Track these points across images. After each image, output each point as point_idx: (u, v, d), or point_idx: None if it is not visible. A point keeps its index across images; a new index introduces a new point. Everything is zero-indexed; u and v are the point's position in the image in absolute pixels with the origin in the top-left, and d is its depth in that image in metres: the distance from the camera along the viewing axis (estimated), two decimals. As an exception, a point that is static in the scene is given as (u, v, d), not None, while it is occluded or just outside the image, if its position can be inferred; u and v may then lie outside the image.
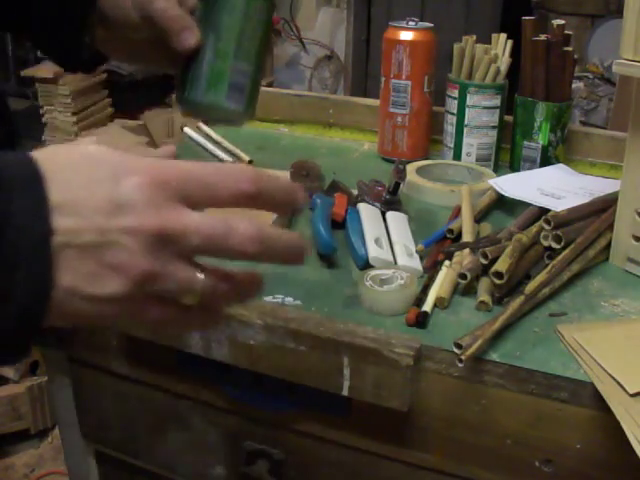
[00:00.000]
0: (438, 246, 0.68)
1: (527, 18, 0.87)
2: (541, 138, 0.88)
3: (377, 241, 0.67)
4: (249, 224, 0.37)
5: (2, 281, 0.32)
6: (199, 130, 1.05)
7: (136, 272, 0.35)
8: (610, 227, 0.67)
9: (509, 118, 0.92)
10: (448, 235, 0.70)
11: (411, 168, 0.86)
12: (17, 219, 0.32)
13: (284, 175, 0.84)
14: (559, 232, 0.63)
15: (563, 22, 0.86)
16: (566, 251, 0.62)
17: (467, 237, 0.68)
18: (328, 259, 0.67)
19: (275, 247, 0.38)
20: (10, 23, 0.64)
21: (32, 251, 0.33)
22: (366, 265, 0.64)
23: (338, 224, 0.71)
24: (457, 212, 0.75)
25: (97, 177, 0.35)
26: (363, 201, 0.75)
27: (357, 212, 0.72)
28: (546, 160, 0.88)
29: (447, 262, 0.65)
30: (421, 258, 0.67)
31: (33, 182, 0.33)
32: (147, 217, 0.35)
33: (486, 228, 0.72)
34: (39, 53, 0.66)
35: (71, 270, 0.34)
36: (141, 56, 0.64)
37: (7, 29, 0.69)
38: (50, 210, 0.33)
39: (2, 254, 0.32)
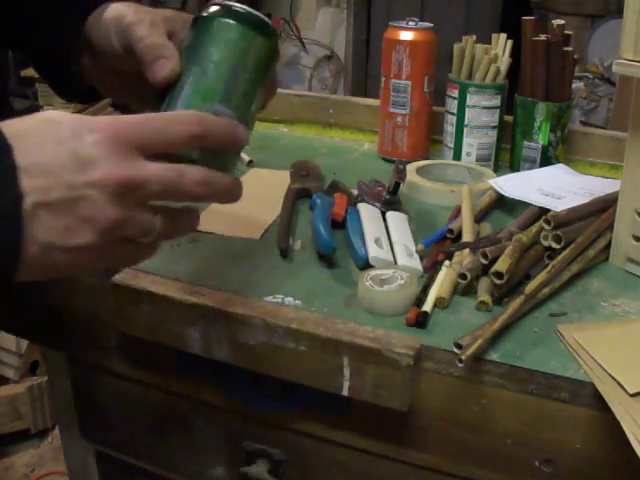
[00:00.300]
0: (438, 246, 0.68)
1: (527, 18, 0.87)
2: (541, 138, 0.88)
3: (377, 241, 0.67)
4: (197, 169, 0.42)
5: None
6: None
7: (105, 222, 0.38)
8: (610, 227, 0.67)
9: (509, 118, 0.92)
10: (448, 235, 0.70)
11: (411, 168, 0.86)
12: None
13: (283, 173, 0.84)
14: (559, 232, 0.63)
15: (563, 22, 0.86)
16: (566, 251, 0.62)
17: (467, 237, 0.68)
18: (328, 259, 0.67)
19: (218, 189, 0.43)
20: (15, 45, 0.64)
21: (3, 215, 0.35)
22: (366, 265, 0.64)
23: (338, 224, 0.71)
24: (457, 212, 0.75)
25: (59, 137, 0.38)
26: (363, 201, 0.75)
27: (357, 212, 0.72)
28: (546, 160, 0.88)
29: (447, 262, 0.65)
30: (421, 258, 0.67)
31: (0, 150, 0.36)
32: (110, 170, 0.38)
33: (486, 228, 0.72)
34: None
35: (45, 226, 0.37)
36: (128, 90, 0.60)
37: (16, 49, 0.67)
38: (18, 175, 0.36)
39: None
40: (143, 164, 0.40)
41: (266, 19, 0.53)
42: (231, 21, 0.50)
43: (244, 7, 0.51)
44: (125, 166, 0.39)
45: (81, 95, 0.63)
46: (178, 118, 0.42)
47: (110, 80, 0.60)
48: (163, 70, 0.49)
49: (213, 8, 0.51)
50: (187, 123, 0.41)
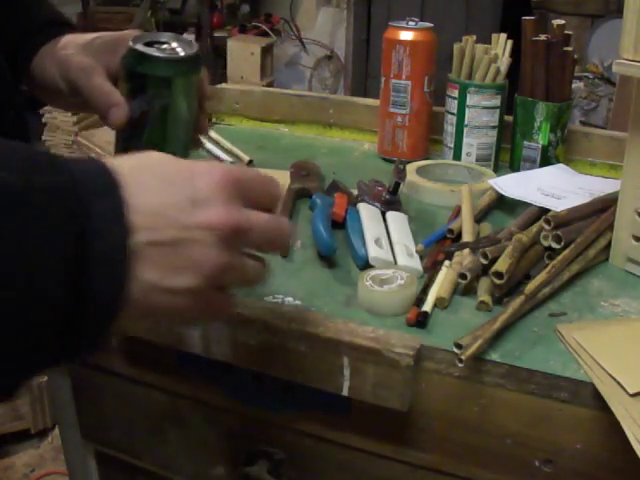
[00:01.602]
0: (438, 246, 0.68)
1: (527, 18, 0.87)
2: (541, 138, 0.88)
3: (377, 241, 0.67)
4: (286, 221, 0.44)
5: (82, 281, 0.33)
6: (199, 130, 1.04)
7: (212, 266, 0.38)
8: (610, 227, 0.67)
9: (509, 118, 0.92)
10: (448, 235, 0.70)
11: (411, 168, 0.86)
12: (96, 223, 0.34)
13: (283, 173, 0.84)
14: (559, 232, 0.63)
15: (563, 22, 0.86)
16: (566, 251, 0.62)
17: (467, 237, 0.68)
18: (328, 259, 0.67)
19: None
20: None
21: (110, 251, 0.34)
22: (366, 265, 0.64)
23: (338, 224, 0.71)
24: (457, 212, 0.75)
25: (171, 179, 0.38)
26: (363, 201, 0.75)
27: (357, 212, 0.72)
28: (546, 160, 0.88)
29: (447, 262, 0.65)
30: (421, 258, 0.67)
31: (110, 188, 0.35)
32: (223, 213, 0.38)
33: (486, 228, 0.72)
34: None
35: (152, 265, 0.36)
36: (77, 108, 0.64)
37: None
38: (128, 212, 0.35)
39: (82, 256, 0.33)
40: (249, 211, 0.40)
41: (189, 54, 0.55)
42: (163, 75, 0.54)
43: (171, 49, 0.55)
44: (235, 211, 0.39)
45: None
46: (273, 179, 0.43)
47: (57, 101, 0.64)
48: (117, 118, 0.54)
49: (142, 58, 0.54)
50: (277, 186, 0.43)
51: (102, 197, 0.34)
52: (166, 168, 0.39)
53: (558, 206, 0.70)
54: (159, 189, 0.37)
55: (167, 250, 0.37)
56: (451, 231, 0.70)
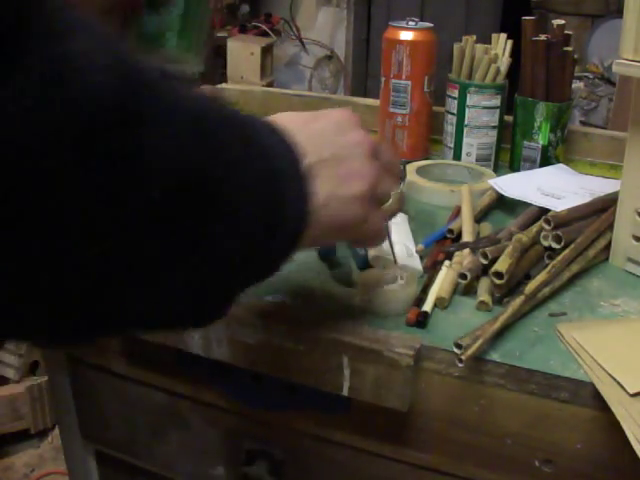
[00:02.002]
0: (438, 246, 0.68)
1: (527, 18, 0.87)
2: (541, 138, 0.88)
3: None
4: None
5: (277, 197, 0.38)
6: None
7: (370, 174, 0.45)
8: (610, 227, 0.67)
9: (509, 118, 0.92)
10: (448, 235, 0.70)
11: (411, 168, 0.86)
12: (275, 151, 0.39)
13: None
14: (559, 232, 0.63)
15: (563, 22, 0.86)
16: (566, 251, 0.62)
17: (467, 237, 0.68)
18: (328, 259, 0.67)
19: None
20: None
21: (293, 172, 0.40)
22: (366, 265, 0.64)
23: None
24: (457, 212, 0.75)
25: (314, 116, 0.46)
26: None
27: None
28: (546, 160, 0.88)
29: (447, 262, 0.65)
30: (421, 258, 0.67)
31: (277, 128, 0.41)
32: (364, 134, 0.46)
33: (486, 228, 0.72)
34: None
35: (324, 179, 0.42)
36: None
37: None
38: (295, 144, 0.41)
39: (275, 178, 0.38)
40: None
41: None
42: None
43: None
44: (371, 138, 0.47)
45: None
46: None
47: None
48: None
49: None
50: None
51: (273, 134, 0.40)
52: (305, 114, 0.46)
53: (558, 206, 0.70)
54: (309, 124, 0.45)
55: (333, 165, 0.43)
56: (451, 231, 0.70)
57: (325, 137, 0.44)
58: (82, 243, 0.28)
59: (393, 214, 0.56)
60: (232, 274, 0.37)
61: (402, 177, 0.75)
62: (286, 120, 0.43)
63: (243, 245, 0.36)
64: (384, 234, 0.51)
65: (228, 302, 0.39)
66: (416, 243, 0.68)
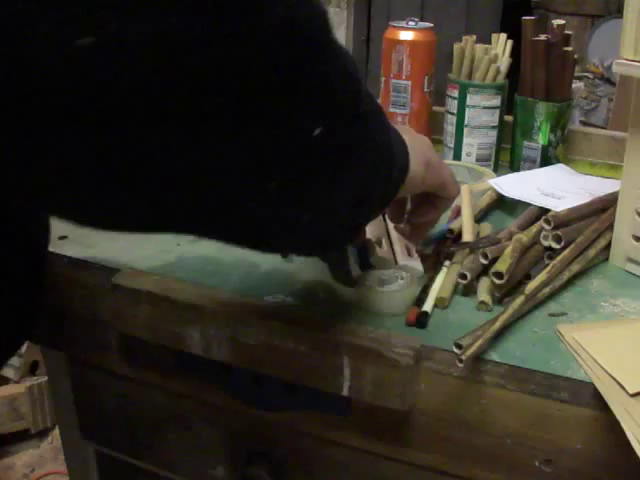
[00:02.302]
0: (438, 246, 0.68)
1: (527, 18, 0.87)
2: (541, 138, 0.88)
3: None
4: None
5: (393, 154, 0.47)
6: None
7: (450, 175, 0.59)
8: (610, 227, 0.67)
9: (509, 118, 0.92)
10: (448, 235, 0.70)
11: (411, 168, 0.86)
12: (393, 137, 0.48)
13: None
14: (559, 232, 0.63)
15: (563, 22, 0.86)
16: (566, 251, 0.62)
17: (467, 237, 0.68)
18: (329, 259, 0.67)
19: None
20: None
21: (401, 149, 0.49)
22: (367, 265, 0.64)
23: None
24: (457, 212, 0.75)
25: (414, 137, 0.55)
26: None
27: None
28: (546, 160, 0.88)
29: (447, 262, 0.65)
30: (423, 258, 0.66)
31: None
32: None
33: (486, 228, 0.72)
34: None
35: (415, 161, 0.51)
36: None
37: None
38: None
39: (392, 153, 0.47)
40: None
41: None
42: None
43: None
44: None
45: None
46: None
47: None
48: None
49: None
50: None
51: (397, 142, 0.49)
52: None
53: (558, 206, 0.70)
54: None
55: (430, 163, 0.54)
56: (451, 231, 0.70)
57: (420, 147, 0.54)
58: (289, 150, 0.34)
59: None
60: (372, 193, 0.45)
61: None
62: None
63: (379, 169, 0.45)
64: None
65: (365, 224, 0.55)
66: (416, 243, 0.68)
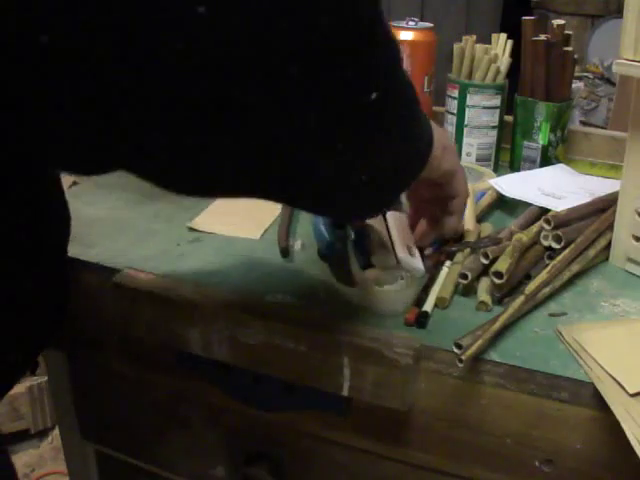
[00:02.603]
0: (440, 246, 0.68)
1: (527, 18, 0.87)
2: (541, 138, 0.88)
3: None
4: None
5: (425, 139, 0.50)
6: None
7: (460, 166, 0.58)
8: (610, 227, 0.67)
9: (509, 118, 0.92)
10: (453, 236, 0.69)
11: (411, 168, 0.86)
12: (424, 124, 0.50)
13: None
14: (559, 232, 0.63)
15: (563, 22, 0.86)
16: (566, 251, 0.62)
17: (469, 237, 0.68)
18: (330, 259, 0.67)
19: None
20: None
21: (428, 124, 0.51)
22: (368, 264, 0.64)
23: (339, 224, 0.71)
24: (457, 212, 0.75)
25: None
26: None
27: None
28: (546, 160, 0.88)
29: (448, 262, 0.65)
30: (424, 258, 0.66)
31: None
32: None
33: (487, 228, 0.72)
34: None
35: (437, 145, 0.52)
36: None
37: None
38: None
39: (422, 125, 0.49)
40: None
41: None
42: None
43: None
44: None
45: None
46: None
47: None
48: None
49: None
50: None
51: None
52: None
53: (558, 206, 0.70)
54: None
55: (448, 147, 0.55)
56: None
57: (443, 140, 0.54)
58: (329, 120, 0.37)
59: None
60: (408, 162, 0.49)
61: None
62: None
63: (413, 138, 0.47)
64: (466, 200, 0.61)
65: (401, 192, 0.58)
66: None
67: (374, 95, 0.38)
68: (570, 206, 0.69)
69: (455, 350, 0.52)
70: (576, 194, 0.75)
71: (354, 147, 0.40)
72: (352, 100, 0.38)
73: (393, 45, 0.41)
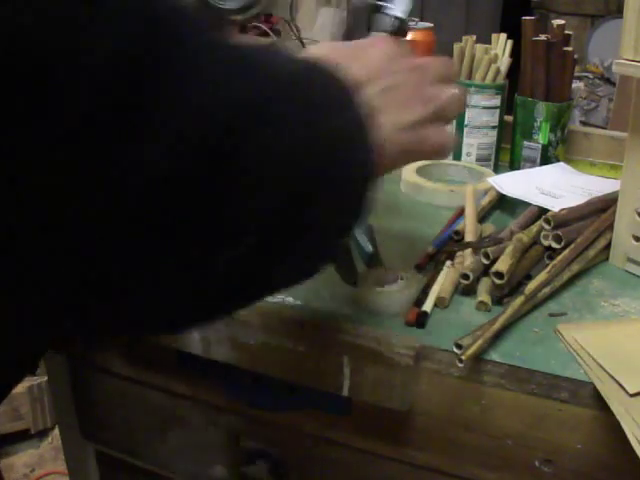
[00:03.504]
0: (443, 247, 0.68)
1: (527, 18, 0.87)
2: (541, 138, 0.88)
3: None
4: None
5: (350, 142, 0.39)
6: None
7: (430, 99, 0.46)
8: (610, 227, 0.67)
9: (509, 118, 0.92)
10: (454, 237, 0.69)
11: (411, 168, 0.86)
12: (336, 102, 0.39)
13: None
14: (559, 232, 0.63)
15: (563, 22, 0.86)
16: (566, 251, 0.62)
17: (470, 237, 0.68)
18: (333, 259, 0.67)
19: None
20: None
21: (355, 110, 0.39)
22: (373, 261, 0.64)
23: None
24: (460, 213, 0.75)
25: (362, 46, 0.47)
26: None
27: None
28: (546, 160, 0.88)
29: (448, 262, 0.65)
30: (425, 258, 0.66)
31: (337, 79, 0.40)
32: (414, 60, 0.47)
33: (489, 228, 0.72)
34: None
35: (385, 109, 0.43)
36: None
37: None
38: (353, 85, 0.40)
39: (343, 128, 0.38)
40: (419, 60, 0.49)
41: None
42: None
43: None
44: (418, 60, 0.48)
45: None
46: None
47: None
48: None
49: None
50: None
51: (332, 82, 0.40)
52: (351, 44, 0.48)
53: (555, 205, 0.70)
54: (360, 56, 0.45)
55: (391, 94, 0.44)
56: (457, 232, 0.69)
57: (379, 67, 0.45)
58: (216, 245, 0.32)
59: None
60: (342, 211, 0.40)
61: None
62: (336, 54, 0.44)
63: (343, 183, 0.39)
64: (448, 148, 0.50)
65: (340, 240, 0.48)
66: (417, 244, 0.68)
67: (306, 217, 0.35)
68: (568, 205, 0.69)
69: (455, 350, 0.52)
70: (575, 193, 0.75)
71: (293, 261, 0.37)
72: (287, 228, 0.35)
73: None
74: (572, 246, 0.63)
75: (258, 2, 0.57)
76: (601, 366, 0.50)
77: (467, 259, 0.64)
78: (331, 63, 0.40)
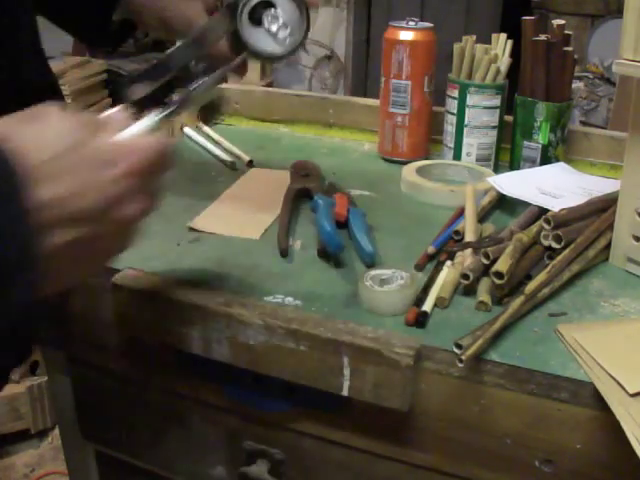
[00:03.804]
0: (443, 247, 0.68)
1: (527, 18, 0.87)
2: (541, 138, 0.88)
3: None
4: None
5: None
6: (199, 130, 1.05)
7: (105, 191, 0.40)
8: (610, 227, 0.67)
9: (509, 118, 0.92)
10: (455, 237, 0.69)
11: (411, 168, 0.86)
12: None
13: (283, 173, 0.84)
14: (559, 232, 0.63)
15: (563, 22, 0.86)
16: (566, 251, 0.62)
17: (470, 237, 0.68)
18: (335, 258, 0.67)
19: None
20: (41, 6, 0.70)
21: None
22: (373, 261, 0.65)
23: (340, 224, 0.71)
24: (460, 213, 0.75)
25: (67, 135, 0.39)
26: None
27: (360, 211, 0.72)
28: (546, 160, 0.88)
29: (448, 262, 0.65)
30: (433, 258, 0.66)
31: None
32: (103, 140, 0.41)
33: (489, 228, 0.72)
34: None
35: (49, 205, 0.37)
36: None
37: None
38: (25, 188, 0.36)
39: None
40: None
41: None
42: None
43: None
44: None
45: (111, 41, 0.79)
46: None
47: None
48: None
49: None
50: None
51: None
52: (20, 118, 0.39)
53: (555, 205, 0.70)
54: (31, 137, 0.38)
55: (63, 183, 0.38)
56: (457, 232, 0.69)
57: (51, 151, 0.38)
58: None
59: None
60: None
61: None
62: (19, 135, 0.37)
63: None
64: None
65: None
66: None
67: None
68: (567, 205, 0.69)
69: (455, 350, 0.52)
70: (575, 193, 0.75)
71: None
72: None
73: None
74: (572, 246, 0.63)
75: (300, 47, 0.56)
76: (601, 366, 0.50)
77: (467, 259, 0.64)
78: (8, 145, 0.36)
